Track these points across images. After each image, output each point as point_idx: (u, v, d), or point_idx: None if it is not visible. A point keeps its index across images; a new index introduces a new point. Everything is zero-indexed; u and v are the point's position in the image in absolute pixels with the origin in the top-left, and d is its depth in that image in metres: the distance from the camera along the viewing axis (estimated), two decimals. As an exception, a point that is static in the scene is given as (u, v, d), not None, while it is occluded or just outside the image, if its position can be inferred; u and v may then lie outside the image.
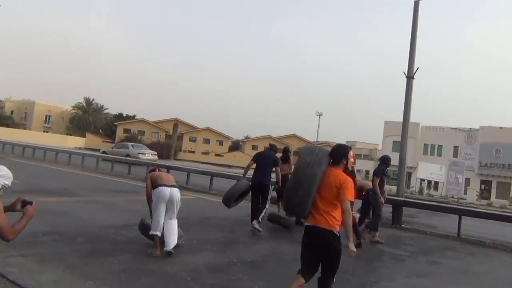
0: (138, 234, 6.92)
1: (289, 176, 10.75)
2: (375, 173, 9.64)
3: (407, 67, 13.37)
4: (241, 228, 9.17)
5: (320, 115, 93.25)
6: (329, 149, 4.56)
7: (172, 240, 6.38)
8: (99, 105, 76.55)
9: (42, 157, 24.48)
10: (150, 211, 6.61)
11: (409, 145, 54.96)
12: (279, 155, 10.23)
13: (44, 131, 71.08)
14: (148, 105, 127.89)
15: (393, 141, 54.55)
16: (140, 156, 28.03)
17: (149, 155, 29.85)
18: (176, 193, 6.49)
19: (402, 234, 11.25)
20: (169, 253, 6.26)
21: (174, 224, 6.48)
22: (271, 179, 9.37)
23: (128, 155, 27.08)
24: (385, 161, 9.81)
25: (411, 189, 41.70)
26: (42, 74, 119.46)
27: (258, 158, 9.39)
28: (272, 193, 9.80)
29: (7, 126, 65.46)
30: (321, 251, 4.31)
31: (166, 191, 6.39)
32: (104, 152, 28.80)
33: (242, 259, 6.74)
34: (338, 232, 4.24)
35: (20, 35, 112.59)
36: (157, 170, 7.03)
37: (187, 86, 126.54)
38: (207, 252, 6.91)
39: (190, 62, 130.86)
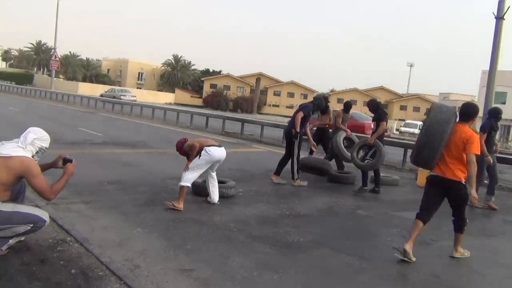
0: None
1: (327, 128, 10.35)
2: (481, 128, 8.23)
3: (496, 7, 11.95)
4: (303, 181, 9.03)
5: (411, 66, 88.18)
6: (430, 102, 4.69)
7: (217, 192, 6.55)
8: (186, 61, 78.74)
9: (129, 112, 25.90)
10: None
11: (510, 96, 50.63)
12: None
13: (137, 88, 74.97)
14: (234, 60, 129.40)
15: (495, 92, 50.36)
16: (122, 97, 38.58)
17: (129, 97, 41.30)
18: (224, 152, 6.50)
19: (483, 190, 10.41)
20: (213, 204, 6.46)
21: (215, 177, 6.58)
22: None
23: (114, 97, 37.48)
24: (493, 114, 8.49)
25: (509, 143, 38.62)
26: (134, 32, 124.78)
27: None
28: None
29: (104, 83, 69.94)
30: (449, 198, 5.06)
31: (220, 152, 6.39)
32: (101, 95, 37.20)
33: (295, 212, 6.65)
34: (464, 181, 4.87)
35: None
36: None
37: (273, 41, 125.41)
38: (261, 204, 6.90)
39: (276, 17, 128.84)
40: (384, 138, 9.00)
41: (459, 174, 4.86)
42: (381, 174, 10.19)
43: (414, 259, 4.78)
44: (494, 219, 7.51)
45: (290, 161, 8.59)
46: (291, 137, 8.56)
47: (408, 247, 4.81)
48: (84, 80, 71.69)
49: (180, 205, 6.07)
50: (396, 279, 4.38)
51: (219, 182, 6.76)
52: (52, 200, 4.26)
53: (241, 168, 9.98)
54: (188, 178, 6.19)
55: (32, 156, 3.85)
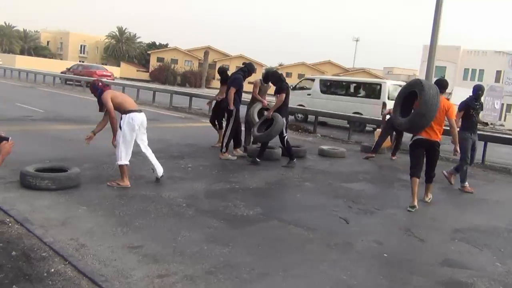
0: (142, 161, 6.90)
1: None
2: (459, 107, 7.91)
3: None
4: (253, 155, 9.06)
5: (357, 40, 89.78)
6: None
7: (159, 163, 6.38)
8: (132, 34, 76.17)
9: (71, 86, 24.86)
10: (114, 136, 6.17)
11: (449, 70, 52.78)
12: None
13: (80, 61, 72.00)
14: (181, 33, 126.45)
15: (435, 67, 52.28)
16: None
17: None
18: (145, 117, 6.24)
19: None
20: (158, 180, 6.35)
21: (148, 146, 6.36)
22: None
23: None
24: (473, 91, 7.97)
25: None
26: (75, 3, 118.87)
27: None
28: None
29: (44, 56, 66.52)
30: (429, 155, 6.47)
31: (142, 117, 6.13)
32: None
33: (245, 185, 6.68)
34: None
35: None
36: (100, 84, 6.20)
37: (219, 13, 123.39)
38: (210, 179, 6.88)
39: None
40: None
41: (440, 136, 6.37)
42: (328, 147, 10.44)
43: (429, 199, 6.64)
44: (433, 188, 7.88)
45: (223, 133, 8.74)
46: (229, 114, 8.58)
47: (415, 202, 6.16)
48: (22, 53, 67.86)
49: (126, 182, 5.93)
50: (343, 247, 4.52)
51: None
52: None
53: (190, 143, 9.93)
54: (123, 155, 5.95)
55: None
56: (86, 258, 3.65)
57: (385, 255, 4.43)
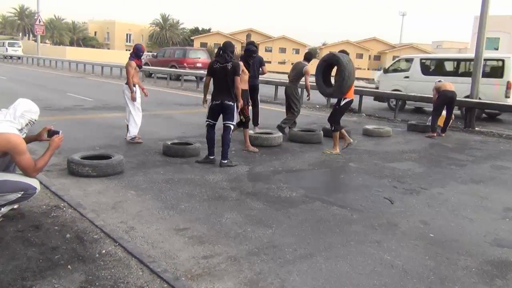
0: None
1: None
2: None
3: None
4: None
5: (403, 15, 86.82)
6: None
7: None
8: (175, 20, 77.17)
9: (118, 75, 25.57)
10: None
11: (502, 41, 50.07)
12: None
13: (126, 50, 73.70)
14: (224, 17, 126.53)
15: (486, 38, 49.79)
16: None
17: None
18: None
19: (472, 138, 10.52)
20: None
21: None
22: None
23: None
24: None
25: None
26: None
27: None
28: None
29: (93, 47, 68.64)
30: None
31: None
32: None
33: (288, 168, 6.71)
34: None
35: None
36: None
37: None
38: (254, 162, 6.95)
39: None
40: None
41: None
42: (373, 127, 10.25)
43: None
44: (483, 165, 7.61)
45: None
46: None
47: (338, 149, 7.85)
48: (71, 44, 70.29)
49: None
50: (387, 227, 4.48)
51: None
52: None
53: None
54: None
55: (21, 129, 3.80)
56: (135, 240, 3.82)
57: (431, 235, 4.35)
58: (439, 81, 10.64)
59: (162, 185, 5.49)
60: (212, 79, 6.74)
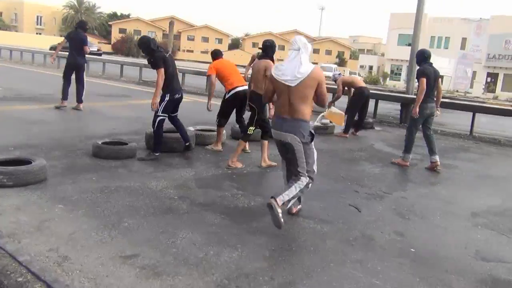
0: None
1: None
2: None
3: None
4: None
5: (322, 9, 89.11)
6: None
7: None
8: (91, 3, 72.78)
9: (30, 60, 23.27)
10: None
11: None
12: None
13: (37, 33, 68.41)
14: (142, 4, 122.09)
15: (399, 34, 52.27)
16: None
17: None
18: None
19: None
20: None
21: None
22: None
23: None
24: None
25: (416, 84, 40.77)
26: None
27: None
28: None
29: (-2, 29, 62.72)
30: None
31: None
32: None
33: (237, 170, 6.07)
34: None
35: None
36: None
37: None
38: (199, 163, 6.23)
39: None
40: None
41: None
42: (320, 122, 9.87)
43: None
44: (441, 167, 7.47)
45: None
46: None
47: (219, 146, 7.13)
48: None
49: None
50: (363, 242, 4.01)
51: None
52: None
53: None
54: None
55: None
56: (72, 276, 2.99)
57: (412, 250, 3.95)
58: (339, 74, 10.31)
59: (96, 195, 4.61)
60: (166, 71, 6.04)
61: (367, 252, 3.83)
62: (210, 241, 3.74)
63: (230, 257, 3.50)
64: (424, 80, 6.74)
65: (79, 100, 9.88)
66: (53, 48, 27.25)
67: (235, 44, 79.66)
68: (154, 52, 6.12)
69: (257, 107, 6.14)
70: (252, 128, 6.26)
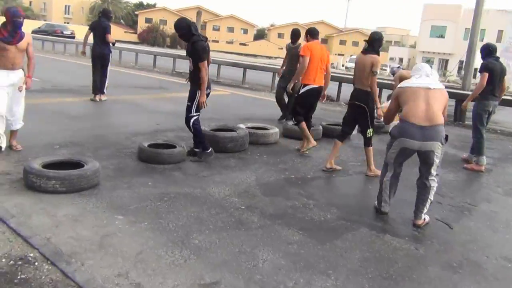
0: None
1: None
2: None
3: None
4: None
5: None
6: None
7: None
8: (117, -7, 72.75)
9: (62, 50, 23.09)
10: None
11: (449, 30, 51.14)
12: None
13: (65, 23, 68.78)
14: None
15: (432, 26, 50.76)
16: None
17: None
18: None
19: (468, 133, 9.78)
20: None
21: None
22: None
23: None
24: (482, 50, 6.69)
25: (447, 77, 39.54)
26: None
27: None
28: None
29: (27, 18, 63.18)
30: None
31: None
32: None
33: (300, 174, 5.52)
34: None
35: None
36: None
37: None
38: (257, 166, 5.70)
39: None
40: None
41: None
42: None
43: None
44: (507, 169, 6.80)
45: None
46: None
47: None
48: (2, 14, 64.52)
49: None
50: (470, 269, 3.44)
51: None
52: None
53: (213, 117, 8.38)
54: None
55: None
56: (150, 313, 2.51)
57: (530, 281, 3.36)
58: (398, 67, 9.74)
59: (156, 204, 4.13)
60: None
61: (480, 283, 3.25)
62: (296, 266, 3.22)
63: (324, 286, 2.98)
64: (486, 75, 6.31)
65: (101, 91, 9.50)
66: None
67: (260, 35, 78.81)
68: (195, 38, 5.28)
69: (367, 106, 5.56)
70: (370, 130, 5.67)
